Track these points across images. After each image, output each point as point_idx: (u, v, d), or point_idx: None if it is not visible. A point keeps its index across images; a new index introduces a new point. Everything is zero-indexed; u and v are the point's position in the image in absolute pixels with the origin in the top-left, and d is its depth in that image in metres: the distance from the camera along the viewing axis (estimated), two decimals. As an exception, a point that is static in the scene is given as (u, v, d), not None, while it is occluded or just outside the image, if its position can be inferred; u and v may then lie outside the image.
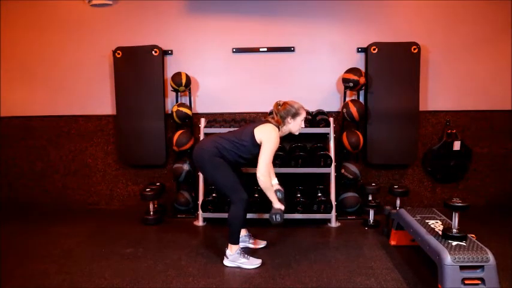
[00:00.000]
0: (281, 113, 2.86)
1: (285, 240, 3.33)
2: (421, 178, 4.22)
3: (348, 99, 3.98)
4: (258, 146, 2.82)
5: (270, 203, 2.89)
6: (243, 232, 3.16)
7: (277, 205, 2.85)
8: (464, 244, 2.39)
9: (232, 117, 4.05)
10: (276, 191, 2.93)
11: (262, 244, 3.20)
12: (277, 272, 2.74)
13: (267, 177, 2.78)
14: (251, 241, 3.20)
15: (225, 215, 3.61)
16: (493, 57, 4.03)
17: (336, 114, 4.11)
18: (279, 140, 2.81)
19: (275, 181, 3.06)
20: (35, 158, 4.44)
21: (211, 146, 2.83)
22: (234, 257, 2.84)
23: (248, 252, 3.00)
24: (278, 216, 2.79)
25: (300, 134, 3.86)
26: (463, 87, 4.08)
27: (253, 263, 2.85)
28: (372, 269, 2.78)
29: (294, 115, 2.85)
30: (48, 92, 4.33)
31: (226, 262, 2.86)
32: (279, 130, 2.87)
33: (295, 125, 2.88)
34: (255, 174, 2.77)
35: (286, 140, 4.05)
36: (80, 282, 2.65)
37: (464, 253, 2.29)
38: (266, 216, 3.60)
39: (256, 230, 3.45)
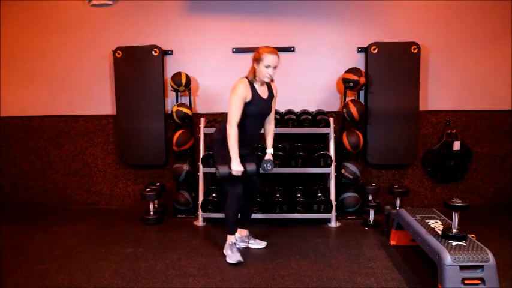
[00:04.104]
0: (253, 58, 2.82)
1: (285, 240, 3.33)
2: (421, 178, 4.22)
3: (348, 99, 3.98)
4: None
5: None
6: (244, 233, 3.19)
7: (235, 165, 2.75)
8: (464, 244, 2.39)
9: (232, 117, 4.04)
10: (265, 161, 2.95)
11: (262, 244, 3.20)
12: (277, 272, 2.74)
13: (232, 130, 2.73)
14: (251, 241, 3.20)
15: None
16: (493, 57, 4.03)
17: (336, 114, 4.11)
18: (242, 88, 2.75)
19: (270, 150, 3.02)
20: (35, 158, 4.44)
21: (220, 135, 2.88)
22: (226, 246, 2.99)
23: (247, 252, 3.01)
24: (221, 172, 2.76)
25: (300, 134, 3.91)
26: (463, 87, 4.08)
27: (233, 258, 2.89)
28: (372, 269, 2.78)
29: (257, 60, 2.76)
30: (48, 91, 4.34)
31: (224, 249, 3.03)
32: (250, 80, 2.81)
33: (260, 72, 2.76)
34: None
35: (287, 140, 4.07)
36: (80, 282, 2.65)
37: (464, 253, 2.29)
38: (269, 216, 3.63)
39: (257, 230, 3.45)
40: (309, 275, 2.69)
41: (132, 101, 4.11)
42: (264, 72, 2.75)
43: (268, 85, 2.93)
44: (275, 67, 2.76)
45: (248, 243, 3.19)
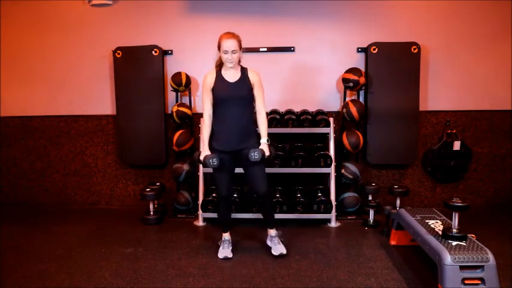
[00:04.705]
0: None
1: (285, 240, 3.32)
2: (421, 178, 4.21)
3: (348, 99, 3.98)
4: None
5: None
6: (269, 232, 3.09)
7: (202, 155, 2.84)
8: (464, 244, 2.39)
9: (232, 117, 4.04)
10: (252, 150, 2.76)
11: (277, 251, 2.98)
12: (277, 272, 2.74)
13: (204, 121, 2.87)
14: (271, 244, 3.06)
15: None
16: (493, 57, 4.03)
17: (336, 114, 4.11)
18: (205, 79, 2.85)
19: (264, 140, 2.87)
20: (35, 158, 4.44)
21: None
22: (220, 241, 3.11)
23: (247, 252, 3.02)
24: (214, 161, 2.80)
25: (300, 134, 3.91)
26: (463, 87, 4.08)
27: (221, 253, 3.00)
28: (372, 269, 2.78)
29: (218, 47, 2.81)
30: (48, 91, 4.34)
31: None
32: (217, 69, 2.87)
33: (222, 58, 2.81)
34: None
35: (287, 140, 4.07)
36: (80, 282, 2.65)
37: (464, 253, 2.29)
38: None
39: (258, 230, 3.45)
40: (309, 275, 2.70)
41: (132, 101, 4.11)
42: (224, 58, 2.77)
43: (244, 71, 2.88)
44: (233, 51, 2.75)
45: (268, 241, 3.10)
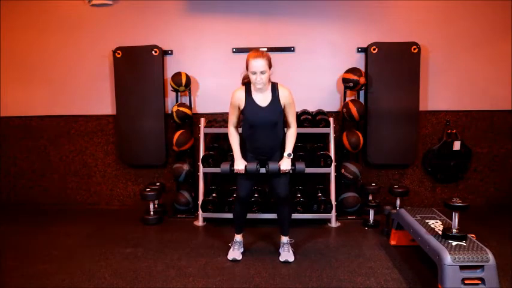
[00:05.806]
0: None
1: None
2: (421, 178, 4.22)
3: (348, 99, 3.98)
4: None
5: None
6: (281, 238, 3.03)
7: (236, 164, 2.79)
8: (464, 244, 2.39)
9: (232, 117, 4.04)
10: (268, 163, 2.74)
11: (284, 257, 2.92)
12: (277, 272, 2.74)
13: (229, 131, 2.85)
14: (281, 250, 3.01)
15: (224, 215, 3.65)
16: (493, 57, 4.03)
17: (336, 114, 4.11)
18: (235, 96, 2.73)
19: (285, 153, 2.80)
20: (35, 158, 4.44)
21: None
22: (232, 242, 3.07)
23: (247, 251, 3.01)
24: (222, 168, 2.81)
25: (300, 134, 3.88)
26: (463, 87, 4.08)
27: (230, 255, 2.98)
28: (372, 269, 2.78)
29: (246, 67, 2.65)
30: (48, 92, 4.34)
31: None
32: (248, 87, 2.73)
33: (251, 78, 2.63)
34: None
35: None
36: (80, 282, 2.65)
37: (464, 253, 2.29)
38: (269, 216, 3.62)
39: (258, 230, 3.44)
40: (309, 275, 2.70)
41: (132, 101, 4.11)
42: (252, 79, 2.62)
43: (274, 90, 2.71)
44: (262, 72, 2.56)
45: (280, 249, 3.03)
